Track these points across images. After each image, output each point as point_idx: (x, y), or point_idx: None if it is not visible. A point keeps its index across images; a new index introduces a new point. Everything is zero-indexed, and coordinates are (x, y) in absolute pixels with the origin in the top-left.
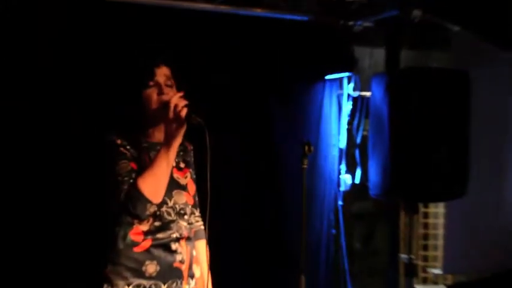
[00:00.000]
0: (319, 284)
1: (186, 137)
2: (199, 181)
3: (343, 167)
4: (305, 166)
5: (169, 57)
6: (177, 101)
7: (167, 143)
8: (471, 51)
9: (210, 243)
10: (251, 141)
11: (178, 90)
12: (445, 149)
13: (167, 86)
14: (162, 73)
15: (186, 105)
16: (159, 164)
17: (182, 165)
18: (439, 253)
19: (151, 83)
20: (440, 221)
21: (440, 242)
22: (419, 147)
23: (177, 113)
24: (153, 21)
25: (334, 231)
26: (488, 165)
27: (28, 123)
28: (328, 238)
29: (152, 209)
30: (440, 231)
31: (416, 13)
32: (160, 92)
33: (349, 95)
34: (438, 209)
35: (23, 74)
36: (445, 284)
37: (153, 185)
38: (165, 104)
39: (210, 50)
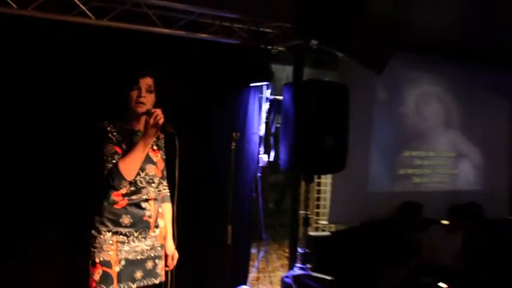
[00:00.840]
0: (242, 231)
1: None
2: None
3: (261, 149)
4: (233, 147)
5: (151, 70)
6: (157, 112)
7: (145, 139)
8: (351, 70)
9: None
10: (197, 128)
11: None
12: (332, 137)
13: (148, 91)
14: (145, 82)
15: (163, 117)
16: (135, 153)
17: (155, 147)
18: (327, 210)
19: (134, 87)
20: (329, 188)
21: (328, 203)
22: (314, 136)
23: (156, 121)
24: (138, 42)
25: (254, 194)
26: (360, 148)
27: (48, 114)
28: (250, 200)
29: (126, 183)
30: (328, 195)
31: (313, 42)
32: (139, 95)
33: (267, 98)
34: (327, 180)
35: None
36: (329, 231)
37: (129, 167)
38: (149, 112)
39: (169, 64)
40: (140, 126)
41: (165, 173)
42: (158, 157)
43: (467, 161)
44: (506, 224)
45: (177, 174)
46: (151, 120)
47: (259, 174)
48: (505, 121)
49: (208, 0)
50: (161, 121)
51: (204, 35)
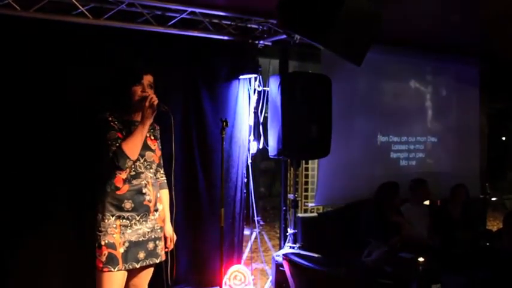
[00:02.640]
0: (235, 214)
1: (155, 121)
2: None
3: (251, 137)
4: (223, 136)
5: (152, 69)
6: (152, 95)
7: (143, 121)
8: (332, 62)
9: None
10: (191, 119)
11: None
12: (316, 125)
13: (149, 86)
14: (147, 79)
15: (157, 99)
16: (136, 134)
17: (152, 137)
18: (314, 193)
19: (138, 83)
20: (315, 172)
21: (314, 186)
22: (300, 124)
23: (151, 103)
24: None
25: (245, 180)
26: (343, 135)
27: (56, 104)
28: (241, 184)
29: (130, 163)
30: (315, 179)
31: (297, 37)
32: (143, 90)
33: (255, 89)
34: (314, 165)
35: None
36: (317, 212)
37: (131, 147)
38: (145, 97)
39: (165, 59)
40: (138, 117)
41: (161, 161)
42: (155, 145)
43: (442, 145)
44: (478, 202)
45: (173, 148)
46: (147, 103)
47: (250, 161)
48: (474, 108)
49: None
50: (156, 102)
51: (195, 32)
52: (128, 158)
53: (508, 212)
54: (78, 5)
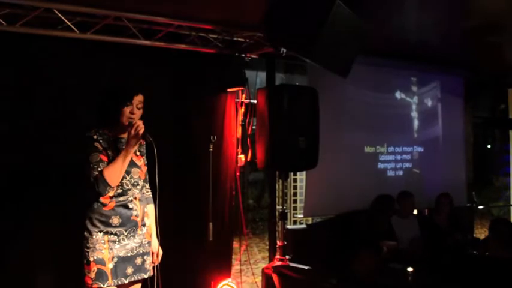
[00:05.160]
0: (224, 228)
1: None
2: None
3: (239, 150)
4: (211, 150)
5: (142, 88)
6: (138, 123)
7: (127, 148)
8: (318, 74)
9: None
10: (178, 132)
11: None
12: (303, 137)
13: (138, 108)
14: (138, 99)
15: (143, 128)
16: (118, 162)
17: (138, 153)
18: (303, 204)
19: (128, 104)
20: (304, 184)
21: (303, 198)
22: (287, 136)
23: (137, 132)
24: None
25: (234, 192)
26: (330, 146)
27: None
28: (230, 197)
29: (110, 189)
30: (304, 190)
31: (283, 50)
32: (132, 111)
33: (242, 102)
34: (302, 176)
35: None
36: (306, 224)
37: (112, 174)
38: (131, 124)
39: (152, 72)
40: (124, 134)
41: (147, 176)
42: (141, 162)
43: (428, 154)
44: (465, 210)
45: (157, 179)
46: (133, 131)
47: (238, 174)
48: (459, 117)
49: (185, 13)
50: (141, 131)
51: (182, 45)
52: (108, 185)
53: (494, 220)
54: (64, 19)
